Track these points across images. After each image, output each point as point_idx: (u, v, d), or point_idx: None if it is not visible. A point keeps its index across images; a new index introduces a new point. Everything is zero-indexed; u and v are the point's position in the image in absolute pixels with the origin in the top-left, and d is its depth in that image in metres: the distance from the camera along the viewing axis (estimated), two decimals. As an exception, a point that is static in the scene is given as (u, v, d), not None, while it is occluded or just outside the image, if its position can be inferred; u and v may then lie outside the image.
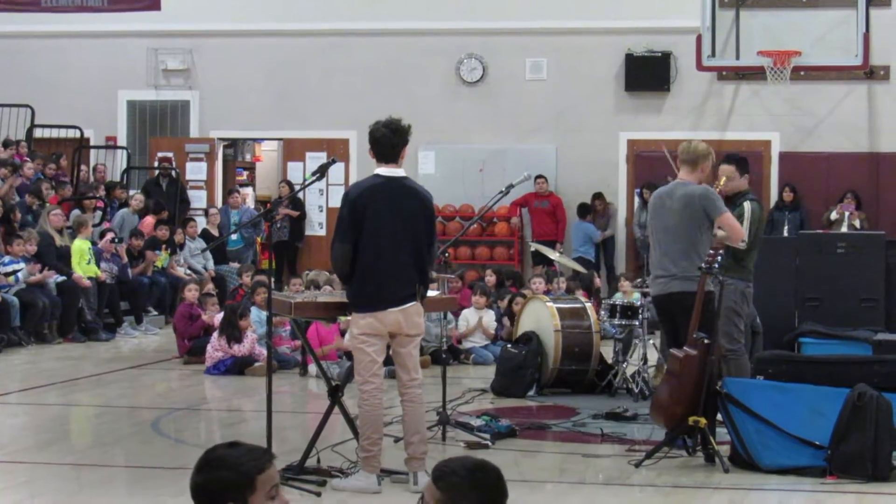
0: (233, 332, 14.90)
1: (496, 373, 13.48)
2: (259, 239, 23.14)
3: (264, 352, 13.45)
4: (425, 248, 8.93)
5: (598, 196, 22.90)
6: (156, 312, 19.88)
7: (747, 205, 11.12)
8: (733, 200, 11.06)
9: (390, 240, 8.77)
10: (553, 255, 15.65)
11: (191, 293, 16.37)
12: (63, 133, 23.56)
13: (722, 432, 9.80)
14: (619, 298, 15.20)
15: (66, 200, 20.74)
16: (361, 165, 22.37)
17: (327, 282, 16.11)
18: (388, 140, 8.92)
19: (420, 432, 8.94)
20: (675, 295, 10.19)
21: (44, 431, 11.53)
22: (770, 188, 22.52)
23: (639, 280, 15.04)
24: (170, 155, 23.84)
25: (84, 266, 18.32)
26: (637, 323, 13.49)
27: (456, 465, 4.16)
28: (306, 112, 23.81)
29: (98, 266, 18.62)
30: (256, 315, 15.25)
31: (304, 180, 22.40)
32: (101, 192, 21.83)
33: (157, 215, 21.17)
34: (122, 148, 24.31)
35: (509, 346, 13.76)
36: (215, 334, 15.05)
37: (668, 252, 10.30)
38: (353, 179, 22.29)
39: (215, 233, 21.95)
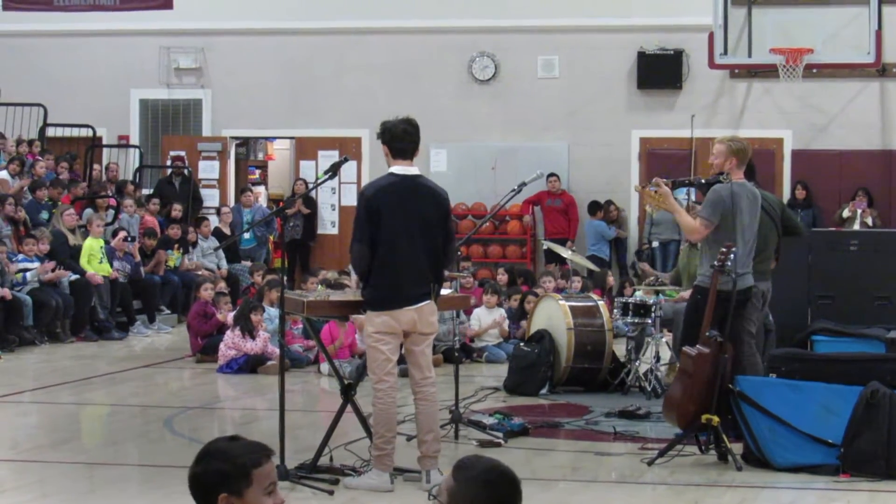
0: (246, 323, 14.91)
1: (509, 371, 13.47)
2: (272, 238, 23.15)
3: (277, 350, 13.45)
4: (440, 247, 8.92)
5: (611, 202, 22.86)
6: (168, 311, 19.89)
7: None
8: None
9: (406, 238, 8.76)
10: (565, 253, 15.62)
11: (206, 292, 16.38)
12: (76, 132, 23.56)
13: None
14: (638, 296, 15.08)
15: (79, 199, 20.76)
16: (374, 164, 22.35)
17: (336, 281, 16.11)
18: (408, 135, 8.91)
19: (433, 431, 8.94)
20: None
21: (56, 430, 11.55)
22: (782, 186, 22.46)
23: (652, 279, 14.96)
24: (182, 154, 23.86)
25: (96, 265, 18.33)
26: (650, 321, 13.47)
27: (477, 461, 4.22)
28: (318, 110, 23.81)
29: (111, 265, 18.64)
30: (268, 314, 15.25)
31: (317, 179, 22.42)
32: (110, 191, 21.79)
33: (149, 210, 21.18)
34: (134, 147, 24.34)
35: (522, 344, 13.75)
36: (228, 332, 15.07)
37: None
38: (365, 178, 22.29)
39: (228, 232, 21.95)
